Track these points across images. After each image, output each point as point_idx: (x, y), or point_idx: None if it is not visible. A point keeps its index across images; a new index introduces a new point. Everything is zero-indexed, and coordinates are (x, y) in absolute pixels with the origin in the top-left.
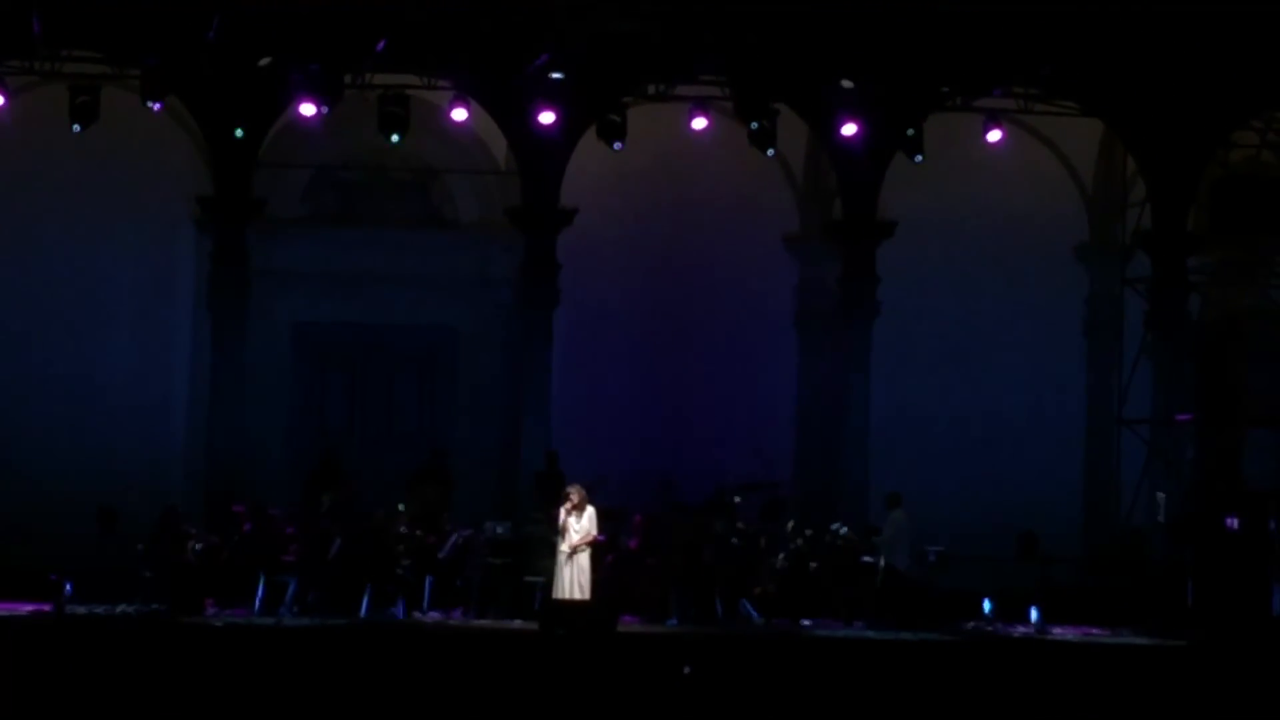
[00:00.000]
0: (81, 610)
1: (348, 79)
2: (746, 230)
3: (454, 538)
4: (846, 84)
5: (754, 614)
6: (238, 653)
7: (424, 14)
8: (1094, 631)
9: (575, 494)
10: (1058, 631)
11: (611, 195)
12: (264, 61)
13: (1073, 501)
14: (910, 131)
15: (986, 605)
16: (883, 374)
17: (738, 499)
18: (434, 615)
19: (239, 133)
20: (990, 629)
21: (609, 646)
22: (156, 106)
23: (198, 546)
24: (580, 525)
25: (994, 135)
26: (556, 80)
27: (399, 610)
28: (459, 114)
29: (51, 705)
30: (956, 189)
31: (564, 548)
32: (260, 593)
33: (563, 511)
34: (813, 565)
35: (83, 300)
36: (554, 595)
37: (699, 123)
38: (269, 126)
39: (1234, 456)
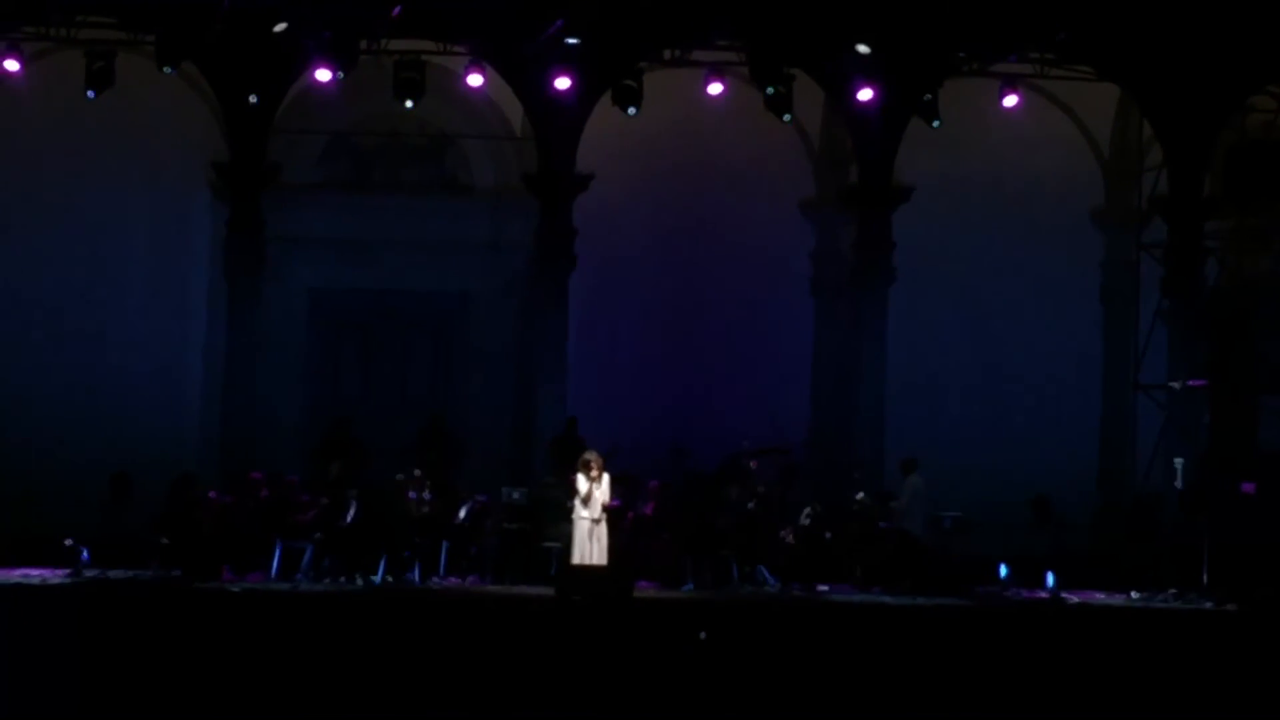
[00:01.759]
0: (98, 576)
1: (363, 45)
2: (762, 196)
3: (469, 503)
4: (862, 49)
5: (770, 579)
6: (254, 619)
7: None
8: (1109, 596)
9: (596, 461)
10: (1073, 597)
11: (627, 161)
12: (279, 27)
13: (1088, 467)
14: (926, 97)
15: (1002, 570)
16: (898, 339)
17: (753, 464)
18: (450, 581)
19: (253, 99)
20: (1006, 594)
21: (625, 612)
22: (168, 70)
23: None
24: (603, 492)
25: (1010, 100)
26: (572, 45)
27: (414, 576)
28: (474, 79)
29: (70, 671)
30: (972, 154)
31: (591, 514)
32: (276, 559)
33: (585, 479)
34: (828, 534)
35: (98, 267)
36: (574, 561)
37: (715, 88)
38: (284, 92)
39: (1249, 421)
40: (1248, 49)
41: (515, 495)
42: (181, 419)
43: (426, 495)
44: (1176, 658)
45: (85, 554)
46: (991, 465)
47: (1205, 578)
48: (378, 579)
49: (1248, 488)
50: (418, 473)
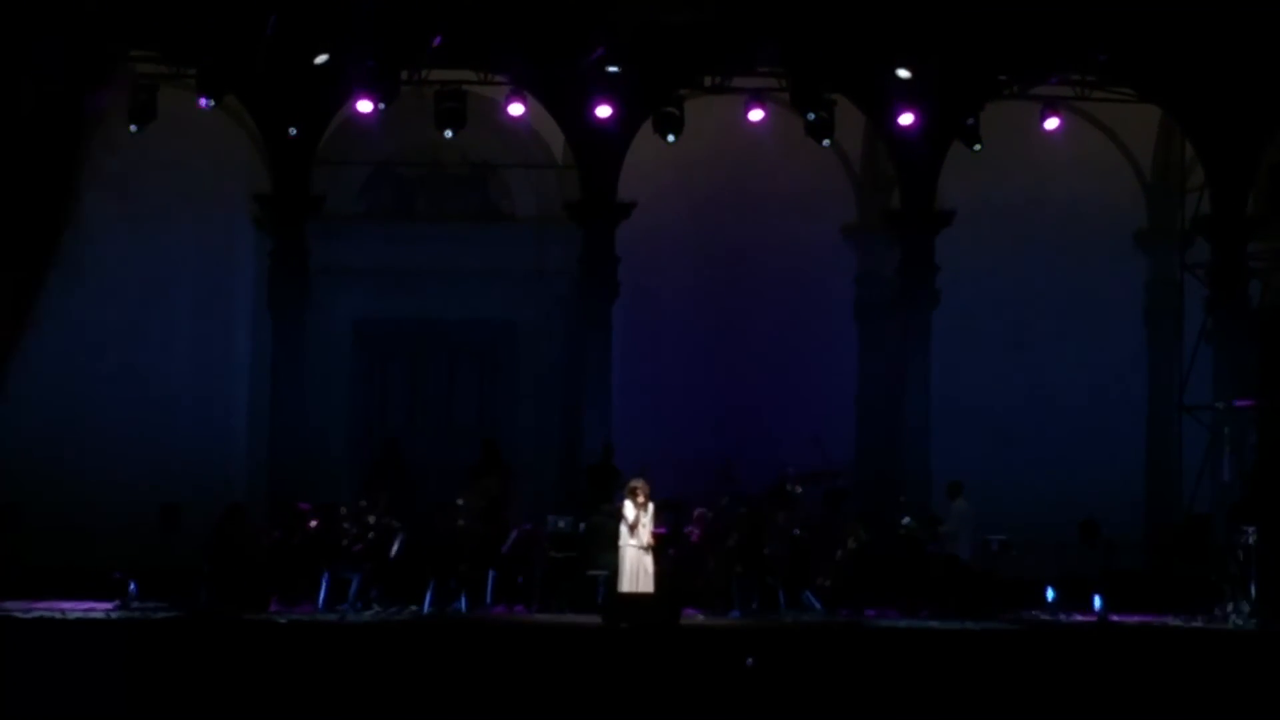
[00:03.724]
0: (147, 608)
1: (404, 75)
2: (805, 221)
3: (515, 532)
4: (903, 73)
5: (817, 605)
6: (301, 650)
7: (480, 9)
8: (1158, 618)
9: (643, 489)
10: (1121, 619)
11: (669, 188)
12: (321, 59)
13: (1135, 488)
14: (969, 121)
15: (1049, 593)
16: (943, 363)
17: (799, 489)
18: (497, 610)
19: (293, 131)
20: (1053, 617)
21: (672, 639)
22: (203, 103)
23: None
24: (649, 519)
25: (1052, 123)
26: (613, 73)
27: (462, 605)
28: (516, 109)
29: (118, 703)
30: (1014, 177)
31: (639, 543)
32: (324, 589)
33: (634, 506)
34: (875, 556)
35: (144, 300)
36: (623, 589)
37: (756, 114)
38: (326, 124)
39: None
40: None
41: (561, 523)
42: (228, 450)
43: (463, 523)
44: (1227, 678)
45: (133, 586)
46: (1038, 487)
47: (1254, 598)
48: (425, 608)
49: None
50: (460, 502)
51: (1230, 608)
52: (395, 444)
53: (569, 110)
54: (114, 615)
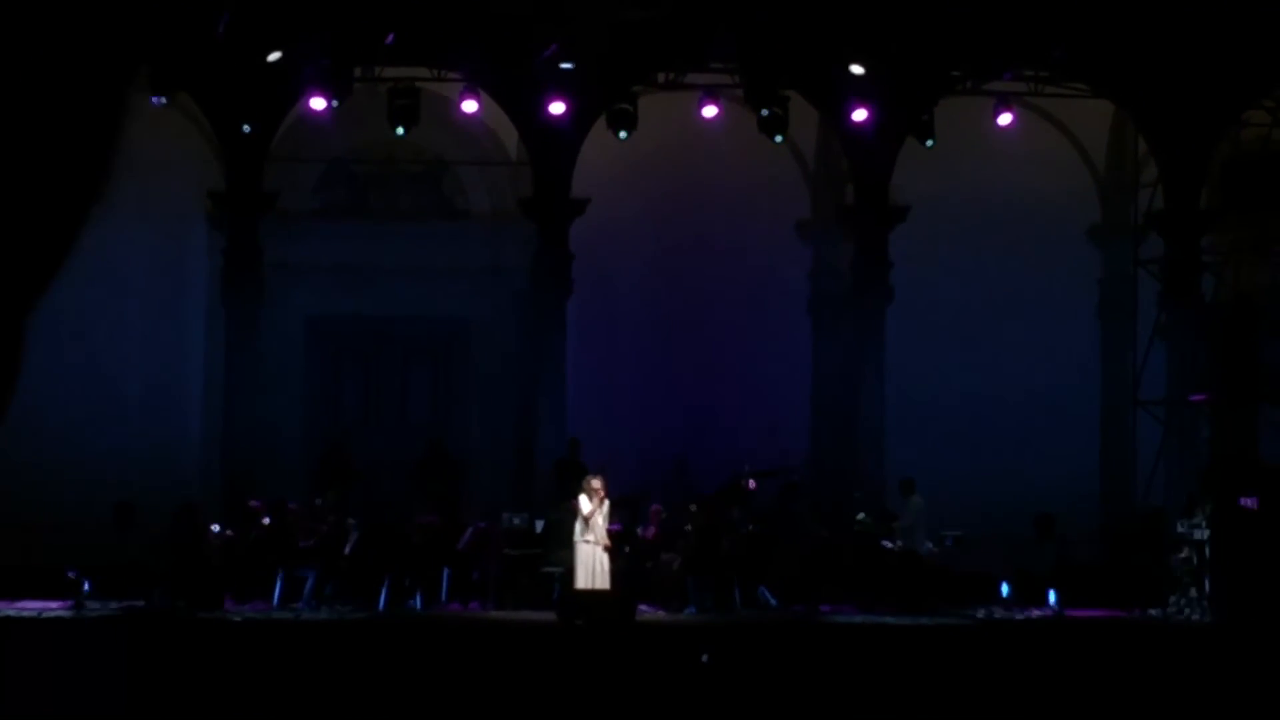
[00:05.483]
0: (99, 607)
1: (357, 72)
2: (759, 217)
3: (470, 529)
4: (856, 69)
5: (772, 600)
6: (256, 648)
7: (433, 6)
8: (1113, 613)
9: (601, 485)
10: (1076, 613)
11: (623, 184)
12: (274, 56)
13: (1089, 483)
14: (922, 116)
15: (1004, 588)
16: (897, 358)
17: (754, 485)
18: (452, 607)
19: (247, 128)
20: (1009, 612)
21: (627, 636)
22: (156, 100)
23: (220, 535)
24: (604, 516)
25: (1005, 118)
26: (566, 70)
27: (417, 602)
28: (469, 105)
29: (71, 703)
30: (968, 173)
31: (596, 539)
32: (278, 587)
33: (591, 502)
34: (831, 551)
35: (96, 297)
36: (580, 586)
37: (709, 110)
38: (280, 121)
39: (1250, 435)
40: (1241, 63)
41: (516, 520)
42: (181, 448)
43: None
44: (1182, 671)
45: (87, 584)
46: (992, 483)
47: (1208, 591)
48: (380, 606)
49: (1248, 502)
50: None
51: (1184, 601)
52: (341, 448)
53: (523, 107)
54: (67, 614)
